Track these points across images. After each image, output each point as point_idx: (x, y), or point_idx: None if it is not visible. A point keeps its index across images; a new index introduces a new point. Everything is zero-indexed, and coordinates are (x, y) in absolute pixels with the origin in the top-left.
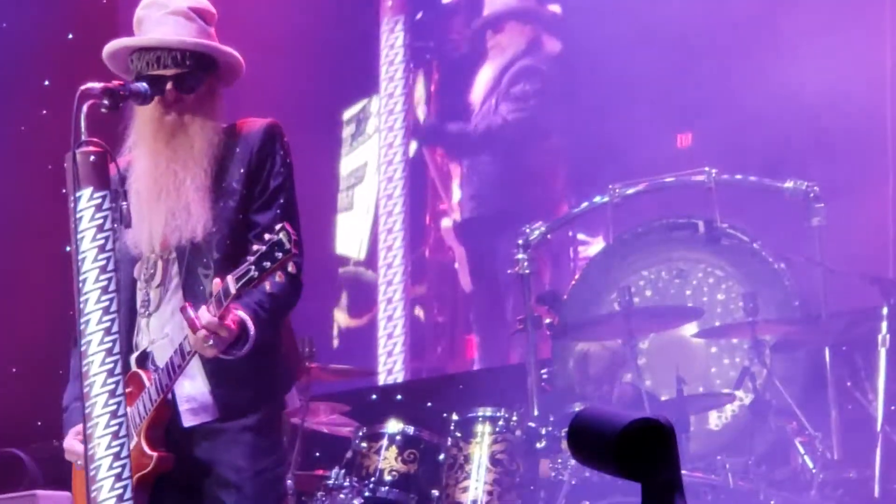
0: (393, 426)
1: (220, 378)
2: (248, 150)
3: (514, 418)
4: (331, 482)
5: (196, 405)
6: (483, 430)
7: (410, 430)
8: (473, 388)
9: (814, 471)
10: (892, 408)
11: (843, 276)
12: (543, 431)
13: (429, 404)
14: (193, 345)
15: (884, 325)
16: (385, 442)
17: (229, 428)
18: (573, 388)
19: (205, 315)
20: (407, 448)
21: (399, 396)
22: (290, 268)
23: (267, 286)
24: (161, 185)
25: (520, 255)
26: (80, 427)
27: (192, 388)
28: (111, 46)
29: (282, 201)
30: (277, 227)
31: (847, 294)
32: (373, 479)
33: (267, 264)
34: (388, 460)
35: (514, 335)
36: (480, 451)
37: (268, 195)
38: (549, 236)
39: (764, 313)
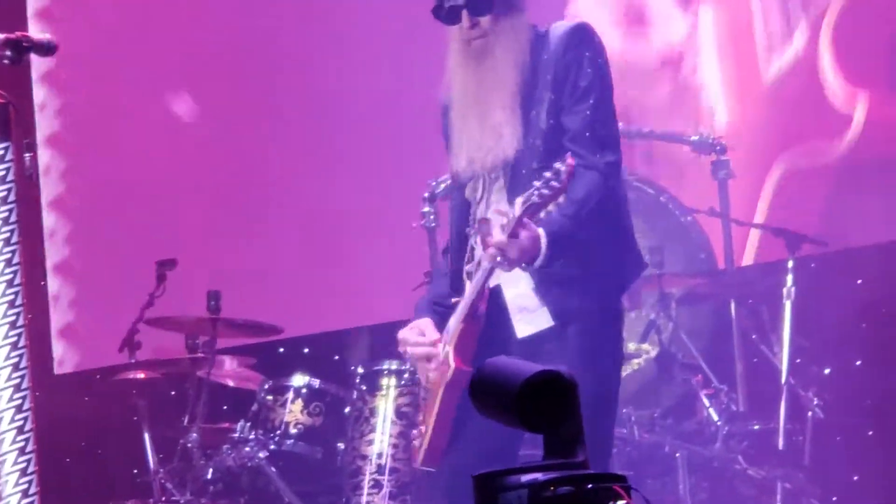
0: (298, 379)
1: (548, 285)
2: (554, 56)
3: None
4: (236, 435)
5: (529, 315)
6: (388, 384)
7: (316, 382)
8: (380, 342)
9: (719, 423)
10: (797, 361)
11: (748, 228)
12: None
13: (336, 357)
14: (488, 261)
15: (789, 277)
16: (291, 395)
17: (564, 334)
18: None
19: (497, 234)
20: (312, 401)
21: (306, 349)
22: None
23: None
24: (470, 113)
25: (426, 209)
26: (418, 321)
27: (522, 299)
28: None
29: (591, 101)
30: (564, 159)
31: (753, 247)
32: (278, 431)
33: (546, 192)
34: (294, 413)
35: (419, 289)
36: (386, 404)
37: (576, 98)
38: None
39: (670, 267)
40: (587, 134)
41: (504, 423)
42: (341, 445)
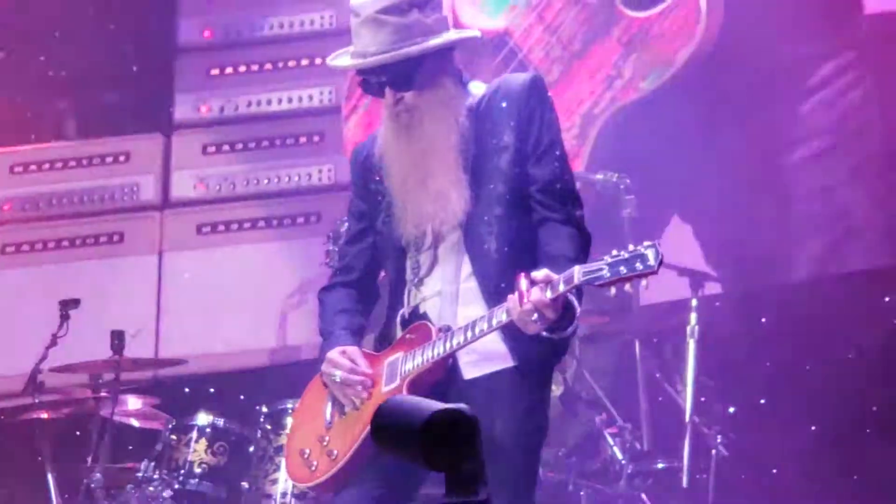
0: (203, 418)
1: (517, 330)
2: (517, 105)
3: None
4: (140, 475)
5: (478, 356)
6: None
7: (220, 422)
8: (286, 380)
9: (623, 462)
10: (702, 399)
11: None
12: None
13: (241, 397)
14: (517, 318)
15: (693, 316)
16: (195, 434)
17: (518, 380)
18: None
19: (536, 293)
20: (217, 440)
21: (211, 389)
22: (644, 283)
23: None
24: (410, 179)
25: (331, 248)
26: (347, 347)
27: (484, 343)
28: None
29: (557, 153)
30: (647, 243)
31: (657, 286)
32: (182, 471)
33: (623, 270)
34: (198, 452)
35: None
36: None
37: (542, 150)
38: None
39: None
40: (557, 186)
41: (406, 460)
42: (246, 485)
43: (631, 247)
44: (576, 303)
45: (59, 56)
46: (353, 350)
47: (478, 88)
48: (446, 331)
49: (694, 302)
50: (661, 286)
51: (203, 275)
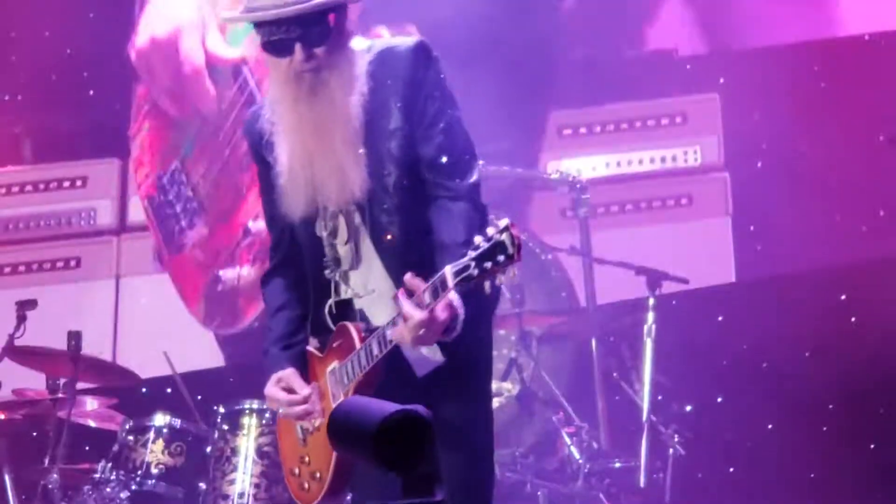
0: (160, 419)
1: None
2: (402, 81)
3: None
4: (97, 476)
5: (419, 356)
6: (250, 423)
7: (177, 422)
8: (243, 381)
9: (580, 461)
10: (659, 398)
11: (609, 266)
12: None
13: (199, 397)
14: (398, 338)
15: (650, 315)
16: (152, 435)
17: (455, 373)
18: None
19: (415, 314)
20: (174, 441)
21: (168, 389)
22: (511, 273)
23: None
24: (307, 151)
25: None
26: (281, 374)
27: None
28: (228, 20)
29: (442, 125)
30: (501, 224)
31: (615, 285)
32: (139, 472)
33: (488, 265)
34: (155, 453)
35: None
36: (247, 443)
37: (426, 125)
38: None
39: (531, 305)
40: (443, 160)
41: (362, 461)
42: (203, 485)
43: (490, 230)
44: (459, 308)
45: (16, 79)
46: (286, 375)
47: (360, 45)
48: (367, 330)
49: (651, 301)
50: (619, 285)
51: (160, 299)
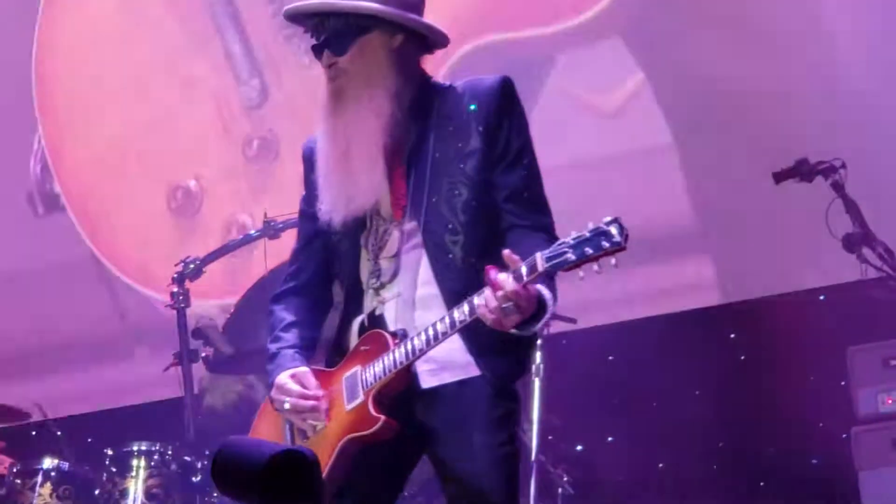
0: (48, 462)
1: (483, 345)
2: (485, 108)
3: (170, 452)
4: None
5: (436, 365)
6: (138, 465)
7: (65, 465)
8: (133, 423)
9: None
10: (548, 438)
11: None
12: (199, 465)
13: (89, 440)
14: (491, 312)
15: (538, 354)
16: (40, 478)
17: (483, 389)
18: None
19: (509, 282)
20: (62, 484)
21: (59, 432)
22: (613, 260)
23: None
24: (332, 156)
25: (175, 289)
26: (296, 370)
27: (441, 351)
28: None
29: (526, 162)
30: (608, 218)
31: None
32: None
33: (589, 251)
34: (43, 497)
35: (168, 370)
36: (136, 485)
37: (511, 157)
38: (204, 270)
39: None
40: (525, 195)
41: (247, 502)
42: None
43: (591, 224)
44: (548, 295)
45: None
46: (301, 372)
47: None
48: (403, 336)
49: (539, 340)
50: None
51: None
